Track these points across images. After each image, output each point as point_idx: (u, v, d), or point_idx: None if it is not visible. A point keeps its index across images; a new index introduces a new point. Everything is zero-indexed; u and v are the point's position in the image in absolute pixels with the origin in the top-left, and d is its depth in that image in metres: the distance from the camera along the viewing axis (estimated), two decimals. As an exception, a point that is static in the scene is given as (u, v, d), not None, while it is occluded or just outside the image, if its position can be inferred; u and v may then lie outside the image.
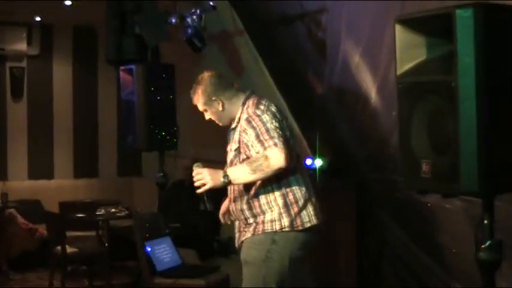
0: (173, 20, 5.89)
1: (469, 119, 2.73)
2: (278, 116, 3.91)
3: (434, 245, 4.95)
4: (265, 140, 3.77)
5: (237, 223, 4.09)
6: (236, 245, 4.10)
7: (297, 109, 6.17)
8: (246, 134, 3.87)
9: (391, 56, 4.73)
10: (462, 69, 2.75)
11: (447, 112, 2.83)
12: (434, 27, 2.98)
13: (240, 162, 3.90)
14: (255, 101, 3.98)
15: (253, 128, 3.83)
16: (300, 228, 3.89)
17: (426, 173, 2.93)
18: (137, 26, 6.12)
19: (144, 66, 5.99)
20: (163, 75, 6.09)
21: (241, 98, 4.03)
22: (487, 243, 2.88)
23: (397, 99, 3.12)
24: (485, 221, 2.90)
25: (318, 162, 5.92)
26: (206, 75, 4.11)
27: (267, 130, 3.80)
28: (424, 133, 2.98)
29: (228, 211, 4.20)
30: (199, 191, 3.87)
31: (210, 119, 4.14)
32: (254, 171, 3.74)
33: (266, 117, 3.84)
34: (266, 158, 3.72)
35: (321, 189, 4.24)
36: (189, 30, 5.79)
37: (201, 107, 4.10)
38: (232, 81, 4.18)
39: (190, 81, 7.08)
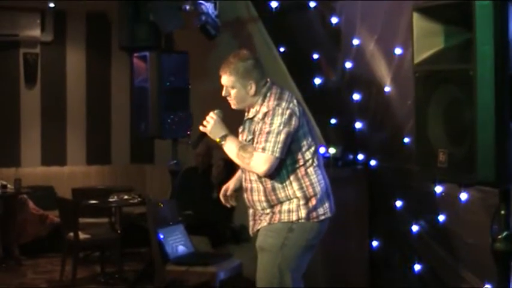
0: (187, 7, 5.87)
1: (487, 108, 2.72)
2: (296, 114, 3.87)
3: (447, 235, 4.93)
4: (259, 141, 3.84)
5: (251, 211, 4.08)
6: (250, 232, 4.12)
7: (310, 97, 6.14)
8: (259, 125, 3.89)
9: (406, 43, 4.73)
10: (480, 57, 2.74)
11: (464, 101, 2.82)
12: (452, 15, 2.96)
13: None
14: (277, 96, 3.93)
15: (263, 124, 3.86)
16: (316, 220, 3.91)
17: (442, 163, 2.91)
18: (151, 13, 6.11)
19: (158, 53, 5.99)
20: (177, 63, 6.08)
21: (264, 89, 3.97)
22: (504, 234, 2.87)
23: (414, 88, 3.11)
24: (502, 212, 2.89)
25: (331, 151, 5.89)
26: (251, 55, 4.03)
27: (269, 132, 3.82)
28: (441, 122, 2.97)
29: (232, 195, 4.24)
30: (200, 127, 4.05)
31: (225, 97, 4.06)
32: (237, 156, 3.91)
33: (278, 120, 3.83)
34: (250, 157, 3.85)
35: (333, 177, 4.21)
36: (203, 18, 5.77)
37: (229, 83, 3.97)
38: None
39: (204, 69, 7.10)
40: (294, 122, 3.86)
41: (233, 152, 3.93)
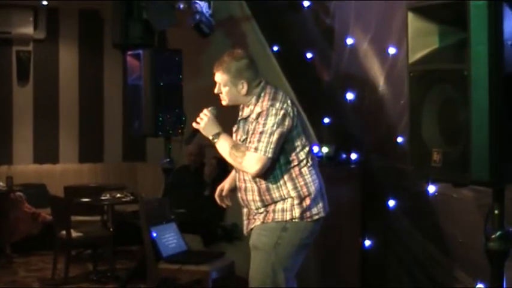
0: (181, 6, 5.87)
1: (481, 108, 2.73)
2: (290, 114, 3.87)
3: (440, 235, 4.94)
4: (252, 141, 3.84)
5: (245, 210, 4.08)
6: (244, 232, 4.11)
7: (303, 96, 6.15)
8: (252, 125, 3.89)
9: (400, 43, 4.73)
10: (475, 57, 2.74)
11: (459, 101, 2.82)
12: (447, 15, 2.96)
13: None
14: (271, 96, 3.92)
15: (257, 124, 3.85)
16: (309, 220, 3.91)
17: (437, 162, 2.92)
18: (144, 10, 6.10)
19: (152, 51, 5.98)
20: (171, 61, 6.08)
21: (257, 89, 3.97)
22: (497, 233, 2.87)
23: (408, 88, 3.11)
24: (496, 211, 2.89)
25: (324, 150, 5.89)
26: (245, 54, 4.02)
27: (262, 132, 3.81)
28: (435, 122, 2.98)
29: (228, 195, 4.22)
30: (193, 124, 4.03)
31: (218, 94, 4.05)
32: (229, 155, 3.90)
33: (271, 120, 3.82)
34: (243, 156, 3.85)
35: (326, 176, 4.20)
36: (197, 16, 5.77)
37: (222, 81, 3.97)
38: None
39: (197, 67, 7.09)
40: (287, 122, 3.86)
41: (225, 151, 3.92)
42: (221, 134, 3.95)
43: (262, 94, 3.95)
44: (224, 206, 4.28)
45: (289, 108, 3.90)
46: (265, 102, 3.90)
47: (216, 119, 4.00)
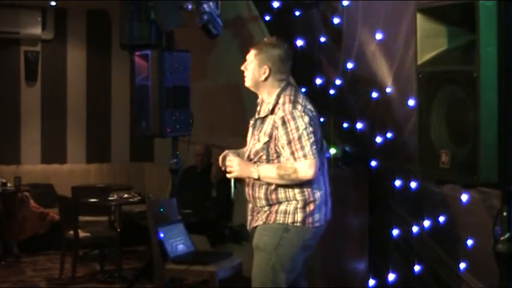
0: (189, 6, 5.86)
1: (490, 109, 2.73)
2: (312, 114, 3.90)
3: (448, 236, 4.93)
4: (296, 150, 3.83)
5: (250, 206, 4.09)
6: (247, 227, 4.14)
7: (311, 97, 6.12)
8: (278, 132, 3.88)
9: (407, 44, 4.72)
10: (484, 59, 2.74)
11: (467, 102, 2.82)
12: (456, 16, 2.96)
13: (268, 160, 3.93)
14: (292, 98, 3.93)
15: (286, 131, 3.85)
16: (311, 226, 3.93)
17: (445, 163, 2.92)
18: (152, 11, 6.10)
19: (160, 51, 5.99)
20: (178, 61, 6.08)
21: (278, 88, 3.98)
22: (506, 235, 2.87)
23: (416, 89, 3.11)
24: (504, 213, 2.89)
25: (332, 151, 5.89)
26: (284, 47, 4.07)
27: (299, 138, 3.82)
28: (444, 123, 2.97)
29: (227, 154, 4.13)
30: (228, 175, 4.02)
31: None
32: (281, 177, 3.86)
33: (301, 123, 3.84)
34: (295, 171, 3.83)
35: (334, 177, 4.21)
36: (205, 17, 5.76)
37: (250, 57, 4.05)
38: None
39: (205, 67, 7.09)
40: (312, 123, 3.89)
41: (273, 175, 3.89)
42: (257, 164, 3.95)
43: (282, 95, 3.96)
44: (223, 168, 4.14)
45: (310, 113, 3.93)
46: (286, 104, 3.91)
47: (237, 154, 4.02)
